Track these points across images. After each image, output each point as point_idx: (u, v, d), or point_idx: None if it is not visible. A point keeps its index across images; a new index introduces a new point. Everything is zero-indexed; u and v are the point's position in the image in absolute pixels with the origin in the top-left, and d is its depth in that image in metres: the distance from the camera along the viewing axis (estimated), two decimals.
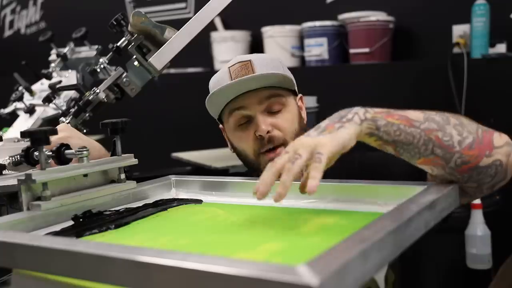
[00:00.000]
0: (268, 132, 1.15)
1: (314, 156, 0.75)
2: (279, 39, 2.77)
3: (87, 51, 1.53)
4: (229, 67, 1.20)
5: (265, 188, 0.75)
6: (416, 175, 0.96)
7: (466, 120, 0.90)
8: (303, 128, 1.22)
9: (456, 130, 0.87)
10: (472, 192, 0.93)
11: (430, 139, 0.85)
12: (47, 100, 1.31)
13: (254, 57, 1.21)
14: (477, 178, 0.89)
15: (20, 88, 1.51)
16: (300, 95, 1.28)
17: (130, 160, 1.02)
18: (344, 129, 0.81)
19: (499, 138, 0.90)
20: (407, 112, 0.87)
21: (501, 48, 2.32)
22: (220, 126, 1.29)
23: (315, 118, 2.14)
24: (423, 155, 0.86)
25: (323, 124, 0.83)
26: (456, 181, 0.89)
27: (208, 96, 1.17)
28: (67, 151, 0.93)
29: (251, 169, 1.23)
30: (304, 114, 1.27)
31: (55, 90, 1.36)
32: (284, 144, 1.16)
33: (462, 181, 0.89)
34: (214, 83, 1.23)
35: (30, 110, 1.45)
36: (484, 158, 0.87)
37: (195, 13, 1.41)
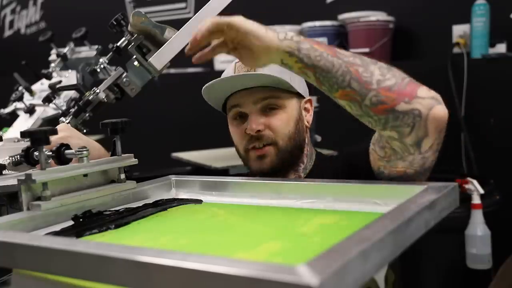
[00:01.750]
0: (258, 131, 1.16)
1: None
2: None
3: (87, 51, 1.54)
4: (235, 62, 1.22)
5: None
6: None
7: (400, 71, 0.92)
8: (303, 131, 1.22)
9: (380, 71, 0.89)
10: (399, 149, 0.94)
11: (350, 71, 0.88)
12: (47, 100, 1.31)
13: None
14: (394, 124, 0.90)
15: (20, 88, 1.51)
16: (309, 97, 1.27)
17: (130, 160, 1.02)
18: (262, 28, 0.88)
19: (426, 91, 0.91)
20: (335, 48, 0.91)
21: (501, 48, 2.32)
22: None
23: (315, 118, 2.13)
24: (340, 87, 0.89)
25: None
26: (375, 125, 0.92)
27: (204, 86, 1.19)
28: (67, 151, 0.93)
29: (243, 163, 1.26)
30: (309, 117, 1.26)
31: (55, 90, 1.36)
32: (273, 143, 1.17)
33: (379, 124, 0.91)
34: (221, 76, 1.24)
35: (30, 110, 1.45)
36: (402, 103, 0.88)
37: (195, 13, 1.41)
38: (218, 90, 1.20)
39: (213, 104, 1.26)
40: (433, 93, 0.91)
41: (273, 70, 1.16)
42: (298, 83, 1.22)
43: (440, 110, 0.90)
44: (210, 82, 1.17)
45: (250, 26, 0.88)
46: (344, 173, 1.03)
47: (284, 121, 1.19)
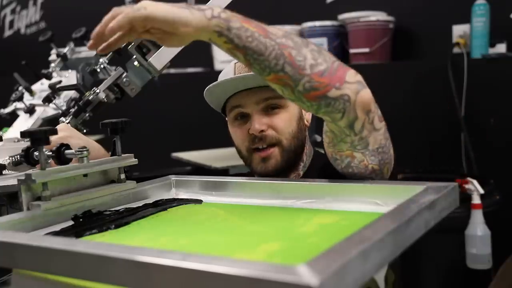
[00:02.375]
0: (262, 131, 1.16)
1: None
2: None
3: (87, 51, 1.54)
4: (235, 63, 1.21)
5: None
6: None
7: (326, 51, 0.90)
8: (303, 129, 1.22)
9: (312, 55, 0.86)
10: (336, 131, 0.94)
11: (283, 54, 0.84)
12: (47, 100, 1.31)
13: None
14: (326, 110, 0.90)
15: (20, 88, 1.51)
16: None
17: (130, 160, 1.02)
18: (186, 11, 0.80)
19: (353, 75, 0.91)
20: (267, 26, 0.86)
21: (501, 48, 2.32)
22: (226, 118, 1.30)
23: (315, 117, 2.14)
24: (273, 70, 0.85)
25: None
26: (307, 111, 0.91)
27: (206, 89, 1.18)
28: (67, 151, 0.93)
29: (245, 164, 1.25)
30: (308, 116, 1.27)
31: (55, 90, 1.36)
32: (277, 144, 1.17)
33: (312, 109, 0.90)
34: (220, 77, 1.24)
35: (30, 110, 1.45)
36: (333, 89, 0.87)
37: None
38: (220, 91, 1.19)
39: (214, 105, 1.26)
40: (359, 76, 0.91)
41: None
42: None
43: (366, 94, 0.91)
44: (212, 84, 1.16)
45: (172, 14, 0.79)
46: (328, 167, 1.03)
47: (287, 120, 1.19)
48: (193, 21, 0.80)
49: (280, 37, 0.85)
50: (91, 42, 0.84)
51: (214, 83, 1.17)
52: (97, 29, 0.83)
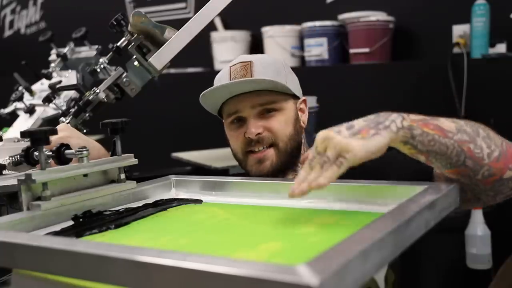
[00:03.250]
0: (258, 133, 1.17)
1: (338, 159, 0.76)
2: (279, 39, 2.77)
3: (87, 51, 1.54)
4: (230, 66, 1.21)
5: (300, 188, 0.77)
6: (414, 179, 0.96)
7: (492, 132, 0.92)
8: (300, 131, 1.23)
9: (485, 143, 0.88)
10: (486, 200, 0.95)
11: (463, 150, 0.86)
12: (47, 100, 1.31)
13: (256, 58, 1.22)
14: (497, 189, 0.92)
15: (20, 88, 1.51)
16: (303, 98, 1.28)
17: (130, 160, 1.02)
18: (378, 137, 0.79)
19: None
20: (440, 122, 0.87)
21: (501, 48, 2.32)
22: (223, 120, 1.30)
23: (315, 118, 2.14)
24: (454, 166, 0.87)
25: (357, 125, 0.81)
26: (478, 191, 0.92)
27: (201, 94, 1.19)
28: (67, 151, 0.93)
29: (240, 166, 1.26)
30: (305, 117, 1.27)
31: (55, 90, 1.36)
32: (273, 145, 1.17)
33: (482, 190, 0.92)
34: (215, 81, 1.25)
35: (30, 110, 1.45)
36: (508, 171, 0.89)
37: (195, 13, 1.41)
38: (215, 96, 1.20)
39: (209, 109, 1.26)
40: None
41: (270, 74, 1.17)
42: (293, 85, 1.23)
43: None
44: (208, 90, 1.17)
45: (371, 152, 0.78)
46: None
47: (283, 123, 1.19)
48: (386, 143, 0.80)
49: (455, 133, 0.86)
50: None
51: (209, 88, 1.17)
52: (293, 191, 0.78)
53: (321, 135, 0.80)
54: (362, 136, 0.78)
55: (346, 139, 0.77)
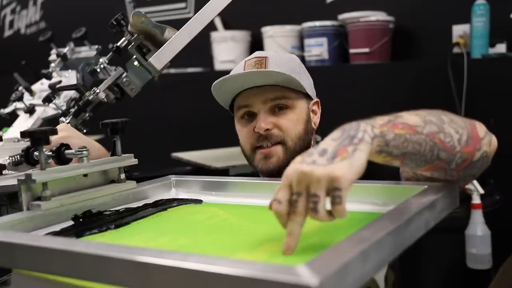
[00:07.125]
0: (267, 129, 1.16)
1: (333, 196, 0.65)
2: (279, 39, 2.77)
3: (87, 51, 1.54)
4: (245, 60, 1.21)
5: (294, 242, 0.66)
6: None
7: (452, 115, 0.87)
8: (310, 132, 1.22)
9: (453, 128, 0.83)
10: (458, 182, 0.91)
11: (435, 143, 0.80)
12: (47, 100, 1.31)
13: (272, 54, 1.22)
14: (469, 173, 0.88)
15: (20, 88, 1.51)
16: (317, 99, 1.27)
17: (130, 160, 1.02)
18: (359, 152, 0.69)
19: (480, 127, 0.89)
20: (405, 118, 0.80)
21: (501, 48, 2.32)
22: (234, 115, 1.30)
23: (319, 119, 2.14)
24: (429, 162, 0.82)
25: (329, 147, 0.69)
26: (450, 181, 0.88)
27: (213, 84, 1.18)
28: (67, 151, 0.93)
29: (248, 163, 1.25)
30: (316, 119, 1.27)
31: (55, 90, 1.36)
32: (282, 143, 1.17)
33: (456, 179, 0.88)
34: (231, 73, 1.24)
35: (30, 110, 1.45)
36: (476, 153, 0.86)
37: (195, 13, 1.41)
38: (228, 87, 1.19)
39: (221, 102, 1.26)
40: (483, 126, 0.89)
41: (284, 70, 1.16)
42: (307, 84, 1.22)
43: (495, 141, 0.90)
44: (221, 79, 1.16)
45: (356, 176, 0.68)
46: None
47: (293, 121, 1.18)
48: (367, 158, 0.71)
49: (424, 126, 0.80)
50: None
51: (221, 78, 1.16)
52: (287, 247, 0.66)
53: (292, 173, 0.67)
54: (342, 158, 0.67)
55: (326, 167, 0.65)
